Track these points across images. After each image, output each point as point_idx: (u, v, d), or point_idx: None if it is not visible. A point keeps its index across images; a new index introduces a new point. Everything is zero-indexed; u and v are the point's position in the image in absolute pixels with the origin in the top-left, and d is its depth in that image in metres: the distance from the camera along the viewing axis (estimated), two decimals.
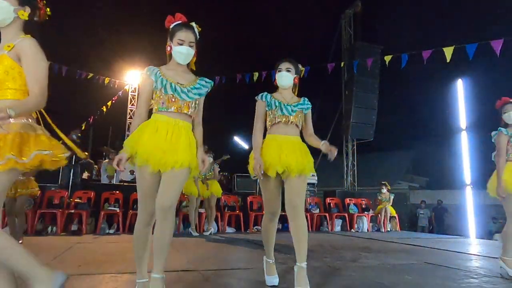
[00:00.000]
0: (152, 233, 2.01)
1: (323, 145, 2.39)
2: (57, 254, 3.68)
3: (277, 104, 2.46)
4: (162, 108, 1.99)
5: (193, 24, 2.10)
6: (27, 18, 1.67)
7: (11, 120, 1.51)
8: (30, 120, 1.64)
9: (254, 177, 2.45)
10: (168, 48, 2.09)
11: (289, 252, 4.12)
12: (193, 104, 2.05)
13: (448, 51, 6.65)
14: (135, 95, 13.68)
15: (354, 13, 11.81)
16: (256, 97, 2.55)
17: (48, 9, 1.77)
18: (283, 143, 2.41)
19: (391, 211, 8.45)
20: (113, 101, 12.70)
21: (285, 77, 2.50)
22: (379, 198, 8.44)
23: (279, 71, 2.51)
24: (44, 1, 1.75)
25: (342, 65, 10.55)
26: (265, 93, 2.55)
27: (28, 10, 1.67)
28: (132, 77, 13.51)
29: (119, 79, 12.97)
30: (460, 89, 8.84)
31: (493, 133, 3.22)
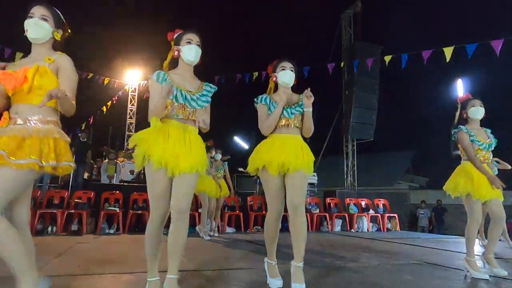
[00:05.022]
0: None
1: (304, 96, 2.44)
2: (57, 254, 3.68)
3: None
4: (172, 114, 2.07)
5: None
6: (59, 39, 1.94)
7: (40, 124, 1.73)
8: (57, 127, 1.82)
9: (255, 176, 2.48)
10: (176, 53, 2.15)
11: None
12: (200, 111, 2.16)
13: (448, 51, 6.66)
14: (135, 95, 13.67)
15: (354, 13, 11.81)
16: (255, 100, 2.54)
17: (69, 31, 2.02)
18: (286, 141, 2.43)
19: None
20: (113, 101, 12.71)
21: (290, 76, 2.51)
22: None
23: (283, 69, 2.51)
24: (69, 26, 2.01)
25: (342, 65, 10.56)
26: (264, 95, 2.55)
27: (61, 32, 1.94)
28: (132, 77, 13.50)
29: (119, 79, 12.95)
30: (460, 89, 8.84)
31: (453, 131, 3.14)
